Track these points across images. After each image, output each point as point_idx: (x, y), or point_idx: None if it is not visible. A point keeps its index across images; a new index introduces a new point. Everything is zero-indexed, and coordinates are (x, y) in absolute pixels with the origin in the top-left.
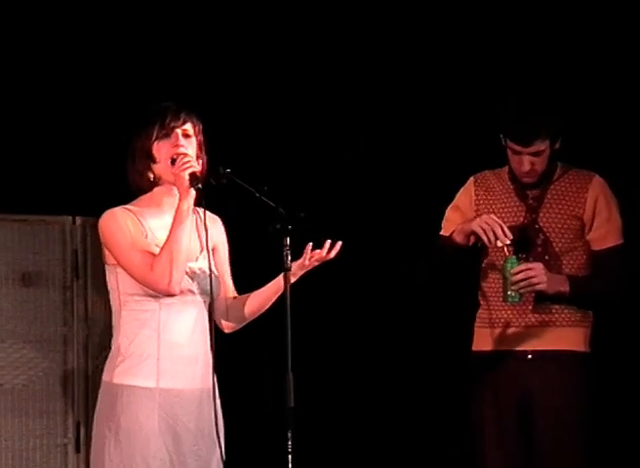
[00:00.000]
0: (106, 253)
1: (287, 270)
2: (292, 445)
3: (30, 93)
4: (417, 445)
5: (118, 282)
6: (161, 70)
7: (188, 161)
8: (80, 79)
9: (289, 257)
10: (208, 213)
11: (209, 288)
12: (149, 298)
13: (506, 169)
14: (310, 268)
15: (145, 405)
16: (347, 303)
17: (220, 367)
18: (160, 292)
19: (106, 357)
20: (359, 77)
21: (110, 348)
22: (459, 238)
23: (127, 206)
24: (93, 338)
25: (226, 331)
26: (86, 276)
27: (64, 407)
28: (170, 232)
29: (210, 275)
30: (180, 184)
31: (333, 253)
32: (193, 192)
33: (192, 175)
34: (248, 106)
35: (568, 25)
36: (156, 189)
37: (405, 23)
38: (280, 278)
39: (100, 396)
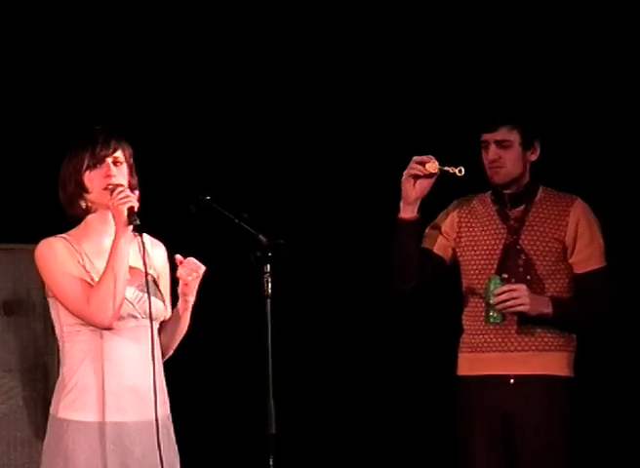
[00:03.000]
0: (45, 284)
1: (267, 297)
2: None
3: (14, 121)
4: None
5: (59, 313)
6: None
7: (127, 195)
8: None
9: (269, 284)
10: (151, 238)
11: (154, 312)
12: (90, 328)
13: (489, 192)
14: (191, 281)
15: (91, 439)
16: (329, 329)
17: (200, 393)
18: (96, 326)
19: None
20: (345, 96)
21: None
22: (404, 210)
23: (63, 234)
24: None
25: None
26: None
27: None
28: (106, 266)
29: (150, 299)
30: (118, 219)
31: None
32: (130, 227)
33: (130, 210)
34: (224, 133)
35: (557, 33)
36: (90, 217)
37: (391, 33)
38: (179, 303)
39: (47, 428)
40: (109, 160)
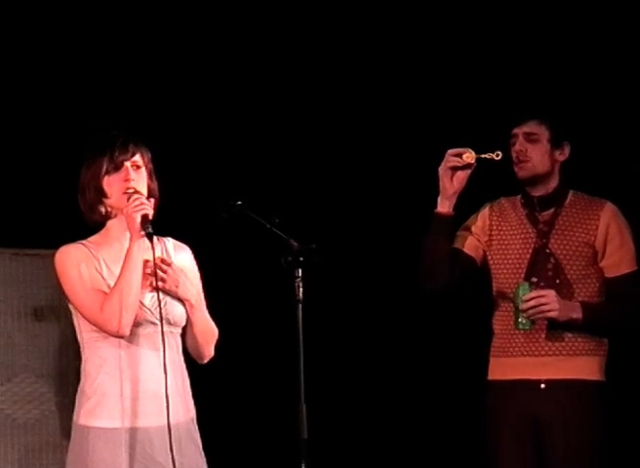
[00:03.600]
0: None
1: (298, 302)
2: None
3: (42, 127)
4: None
5: (78, 320)
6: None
7: (141, 203)
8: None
9: (301, 289)
10: (175, 241)
11: (171, 317)
12: (108, 336)
13: (520, 196)
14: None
15: (113, 445)
16: (361, 333)
17: (232, 399)
18: (110, 334)
19: None
20: (361, 98)
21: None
22: (441, 205)
23: (83, 241)
24: None
25: (199, 361)
26: None
27: None
28: (120, 274)
29: (162, 304)
30: (132, 226)
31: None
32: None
33: (144, 218)
34: (256, 138)
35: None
36: (110, 222)
37: (398, 32)
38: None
39: (71, 436)
40: (128, 164)
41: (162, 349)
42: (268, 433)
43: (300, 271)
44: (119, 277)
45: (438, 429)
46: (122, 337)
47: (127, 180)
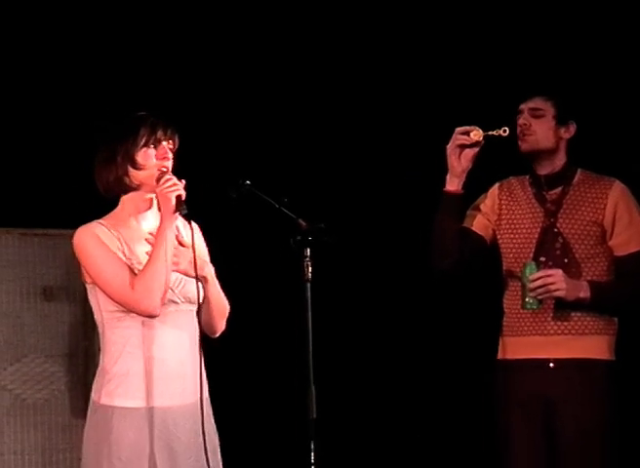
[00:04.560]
0: (84, 271)
1: (307, 282)
2: (314, 457)
3: (52, 109)
4: (441, 454)
5: (99, 300)
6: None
7: (174, 184)
8: (93, 95)
9: (309, 269)
10: (182, 219)
11: (192, 296)
12: (131, 315)
13: (528, 175)
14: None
15: (137, 425)
16: (369, 314)
17: (241, 379)
18: (140, 313)
19: None
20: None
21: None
22: (450, 183)
23: (100, 220)
24: None
25: (211, 336)
26: None
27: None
28: (154, 253)
29: (198, 285)
30: (166, 207)
31: None
32: (177, 216)
33: (178, 199)
34: (263, 118)
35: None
36: (125, 198)
37: (404, 26)
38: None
39: (88, 415)
40: (165, 144)
41: (197, 327)
42: (278, 413)
43: (308, 251)
44: (152, 257)
45: (448, 408)
46: (153, 317)
47: (164, 159)
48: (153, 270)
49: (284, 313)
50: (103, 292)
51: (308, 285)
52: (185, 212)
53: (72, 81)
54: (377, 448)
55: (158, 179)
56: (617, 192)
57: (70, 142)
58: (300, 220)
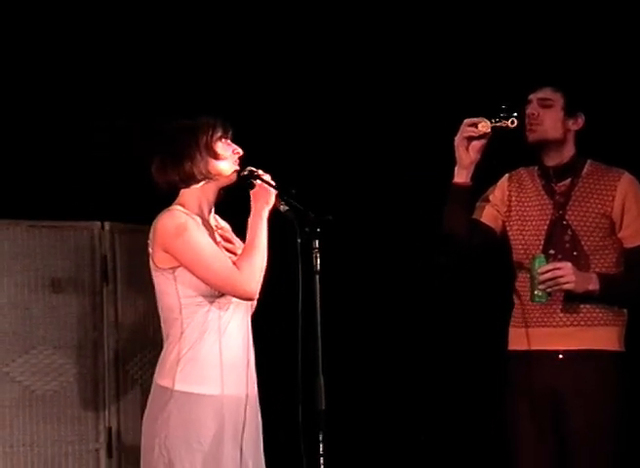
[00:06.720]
0: (161, 256)
1: (316, 273)
2: (323, 447)
3: (58, 104)
4: (449, 446)
5: (177, 285)
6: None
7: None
8: (102, 91)
9: (318, 260)
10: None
11: None
12: (212, 301)
13: (537, 167)
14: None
15: (215, 413)
16: (377, 305)
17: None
18: (241, 295)
19: (138, 362)
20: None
21: (161, 352)
22: (458, 175)
23: (179, 207)
24: (123, 343)
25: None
26: (115, 281)
27: (96, 412)
28: (255, 238)
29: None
30: (266, 197)
31: None
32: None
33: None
34: (271, 111)
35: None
36: (186, 192)
37: (406, 24)
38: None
39: (155, 400)
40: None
41: (247, 318)
42: (286, 404)
43: (317, 242)
44: (254, 241)
45: (457, 399)
46: (251, 300)
47: (236, 153)
48: (257, 254)
49: (292, 304)
50: (200, 276)
51: (317, 276)
52: (287, 208)
53: (76, 78)
54: (385, 438)
55: (243, 174)
56: (625, 184)
57: (78, 134)
58: (309, 212)
